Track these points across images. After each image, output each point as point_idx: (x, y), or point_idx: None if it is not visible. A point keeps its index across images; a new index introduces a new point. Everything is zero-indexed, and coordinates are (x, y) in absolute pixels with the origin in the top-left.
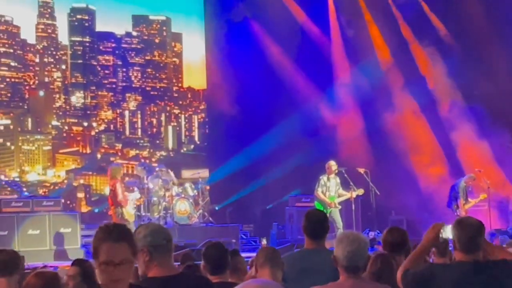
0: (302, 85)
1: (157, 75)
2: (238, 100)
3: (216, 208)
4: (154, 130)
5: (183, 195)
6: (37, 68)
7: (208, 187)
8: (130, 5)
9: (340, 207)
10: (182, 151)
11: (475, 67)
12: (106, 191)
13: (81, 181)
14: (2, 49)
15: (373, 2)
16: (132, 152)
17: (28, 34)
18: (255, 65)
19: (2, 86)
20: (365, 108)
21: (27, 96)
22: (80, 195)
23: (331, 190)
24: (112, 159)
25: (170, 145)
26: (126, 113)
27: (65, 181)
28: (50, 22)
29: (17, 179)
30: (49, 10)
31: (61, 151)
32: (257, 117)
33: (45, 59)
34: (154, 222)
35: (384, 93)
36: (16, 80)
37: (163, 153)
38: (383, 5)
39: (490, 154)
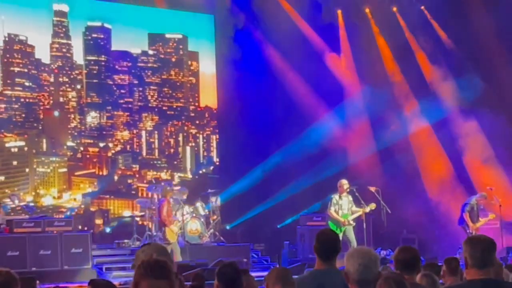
0: (313, 103)
1: (174, 94)
2: (249, 119)
3: (227, 227)
4: (172, 150)
5: (194, 215)
6: (51, 88)
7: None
8: (146, 24)
9: (354, 224)
10: (201, 172)
11: (484, 81)
12: (125, 214)
13: (99, 206)
14: (17, 69)
15: (383, 22)
16: (150, 174)
17: (43, 54)
18: (265, 83)
19: (16, 106)
20: (376, 125)
21: (41, 116)
22: (98, 221)
23: (343, 208)
24: (129, 181)
25: (189, 166)
26: (143, 133)
27: (82, 206)
28: (64, 41)
29: (32, 204)
30: (63, 29)
31: (77, 173)
32: (268, 136)
33: (60, 79)
34: (155, 243)
35: (394, 110)
36: (31, 100)
37: (181, 174)
38: (391, 21)
39: (502, 172)
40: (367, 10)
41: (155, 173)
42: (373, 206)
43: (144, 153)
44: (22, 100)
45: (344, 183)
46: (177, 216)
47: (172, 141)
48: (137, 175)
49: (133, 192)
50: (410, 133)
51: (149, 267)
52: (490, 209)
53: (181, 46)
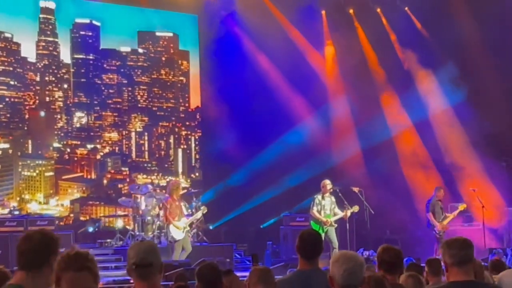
0: (297, 103)
1: (164, 94)
2: (233, 120)
3: (210, 227)
4: (163, 153)
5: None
6: (37, 87)
7: (204, 209)
8: (132, 23)
9: (336, 225)
10: (193, 175)
11: (469, 86)
12: (118, 223)
13: (90, 215)
14: (1, 67)
15: (367, 23)
16: (140, 177)
17: (29, 52)
18: (249, 84)
19: (1, 106)
20: (360, 125)
21: (27, 116)
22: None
23: (326, 209)
24: (120, 185)
25: (180, 170)
26: (132, 134)
27: (71, 215)
28: (51, 39)
29: (17, 212)
30: (50, 27)
31: (64, 177)
32: (252, 136)
33: (46, 78)
34: (147, 241)
35: (378, 110)
36: (16, 100)
37: (172, 177)
38: (375, 22)
39: (485, 172)
40: (351, 11)
41: (145, 176)
42: (355, 208)
43: (133, 155)
44: (6, 99)
45: (327, 183)
46: (188, 212)
47: (162, 143)
48: (127, 179)
49: (124, 197)
50: (393, 133)
51: (68, 259)
52: (473, 210)
53: (171, 45)
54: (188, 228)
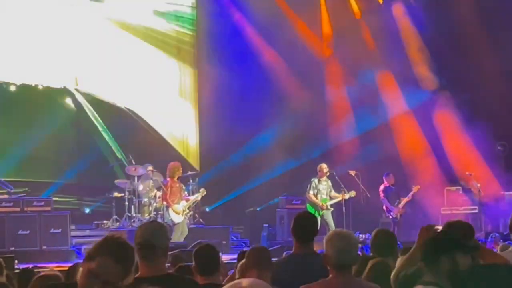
0: (294, 86)
1: None
2: (229, 102)
3: (207, 209)
4: None
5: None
6: None
7: (204, 191)
8: None
9: (332, 209)
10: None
11: (465, 68)
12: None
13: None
14: None
15: (365, 4)
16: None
17: None
18: (245, 66)
19: None
20: (357, 109)
21: None
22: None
23: (322, 193)
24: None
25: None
26: None
27: None
28: None
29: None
30: None
31: None
32: (249, 119)
33: None
34: (157, 221)
35: (375, 94)
36: None
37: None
38: (373, 4)
39: (481, 156)
40: None
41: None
42: (353, 193)
43: None
44: None
45: (324, 167)
46: (185, 195)
47: None
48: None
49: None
50: (390, 117)
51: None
52: (469, 195)
53: None
54: (187, 211)
